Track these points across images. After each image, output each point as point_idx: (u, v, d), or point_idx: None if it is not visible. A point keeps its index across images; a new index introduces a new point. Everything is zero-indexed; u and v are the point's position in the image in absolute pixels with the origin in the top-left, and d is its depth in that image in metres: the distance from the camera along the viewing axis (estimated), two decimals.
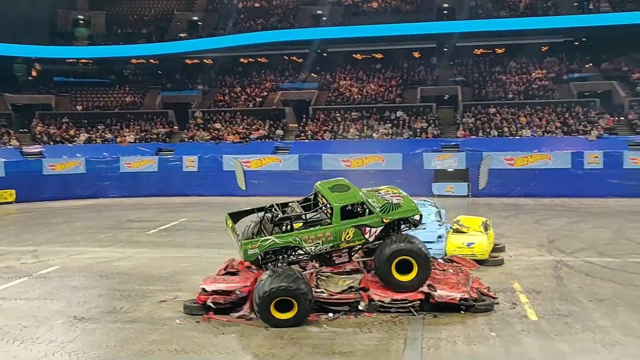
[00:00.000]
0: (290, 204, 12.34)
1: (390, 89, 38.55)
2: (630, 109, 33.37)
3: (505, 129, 32.07)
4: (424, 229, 13.35)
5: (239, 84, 41.33)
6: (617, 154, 28.10)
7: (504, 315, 11.09)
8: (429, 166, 29.38)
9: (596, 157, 28.11)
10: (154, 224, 23.17)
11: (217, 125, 35.88)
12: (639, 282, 13.33)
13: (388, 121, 34.21)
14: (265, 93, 39.93)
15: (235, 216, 12.62)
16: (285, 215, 11.77)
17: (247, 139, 33.96)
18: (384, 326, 10.73)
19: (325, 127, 34.28)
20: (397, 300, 11.28)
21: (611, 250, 16.62)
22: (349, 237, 11.31)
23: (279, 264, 11.34)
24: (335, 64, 41.58)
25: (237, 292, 11.44)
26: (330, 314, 11.26)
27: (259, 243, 11.01)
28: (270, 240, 11.01)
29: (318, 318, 11.13)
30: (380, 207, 11.59)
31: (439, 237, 15.44)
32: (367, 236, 11.43)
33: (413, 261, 11.20)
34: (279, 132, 34.84)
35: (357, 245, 11.63)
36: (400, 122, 33.93)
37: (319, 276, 12.05)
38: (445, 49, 40.35)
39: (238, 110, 37.54)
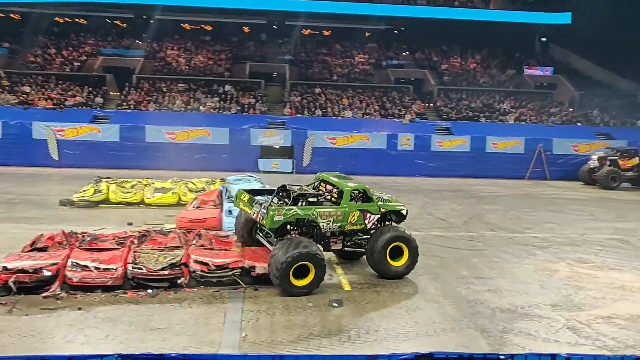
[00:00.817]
0: (298, 188, 12.82)
1: (219, 62, 38.07)
2: (438, 96, 36.74)
3: (329, 109, 33.43)
4: None
5: (54, 46, 37.92)
6: (426, 137, 30.74)
7: (321, 286, 11.65)
8: (256, 142, 29.62)
9: (408, 139, 30.49)
10: None
11: (26, 89, 32.57)
12: (438, 253, 14.87)
13: (216, 95, 33.77)
14: (85, 57, 37.17)
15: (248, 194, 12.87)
16: (303, 192, 12.38)
17: (62, 106, 31.30)
18: (204, 300, 10.71)
19: (150, 97, 32.84)
20: (219, 266, 11.38)
21: (417, 224, 18.19)
22: (353, 220, 12.27)
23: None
24: (162, 33, 39.91)
25: (44, 270, 10.64)
26: (150, 291, 10.96)
27: (284, 211, 11.48)
28: (293, 211, 11.61)
29: (136, 295, 10.78)
30: (377, 198, 12.92)
31: None
32: (366, 222, 12.48)
33: (404, 247, 12.38)
34: (99, 100, 32.67)
35: (357, 229, 12.47)
36: (228, 96, 33.69)
37: (137, 253, 11.65)
38: (275, 27, 40.81)
39: (52, 74, 34.45)
